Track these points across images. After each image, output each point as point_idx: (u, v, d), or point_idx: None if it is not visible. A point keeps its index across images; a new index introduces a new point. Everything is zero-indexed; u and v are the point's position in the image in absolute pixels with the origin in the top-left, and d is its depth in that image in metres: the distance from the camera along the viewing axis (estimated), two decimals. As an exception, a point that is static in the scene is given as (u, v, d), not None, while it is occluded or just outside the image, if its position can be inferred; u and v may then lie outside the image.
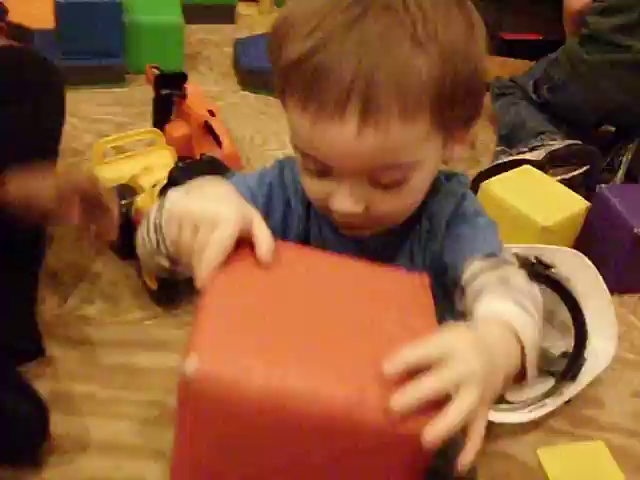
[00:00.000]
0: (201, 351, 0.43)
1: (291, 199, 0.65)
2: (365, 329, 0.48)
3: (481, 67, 0.56)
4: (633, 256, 1.36)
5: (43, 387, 1.07)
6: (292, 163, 0.65)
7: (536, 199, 1.37)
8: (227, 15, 2.37)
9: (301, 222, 0.65)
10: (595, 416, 1.18)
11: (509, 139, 1.70)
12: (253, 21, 2.38)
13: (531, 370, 0.50)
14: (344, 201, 0.56)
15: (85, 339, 1.18)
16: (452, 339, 0.45)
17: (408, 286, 0.54)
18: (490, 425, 1.03)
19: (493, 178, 1.43)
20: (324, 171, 0.57)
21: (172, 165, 1.35)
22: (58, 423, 1.02)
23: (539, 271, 1.16)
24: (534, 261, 1.16)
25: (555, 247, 1.20)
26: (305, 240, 0.66)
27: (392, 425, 0.42)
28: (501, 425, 1.10)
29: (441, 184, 0.64)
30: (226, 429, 0.45)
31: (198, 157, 1.25)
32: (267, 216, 0.60)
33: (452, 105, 0.54)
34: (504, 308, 0.51)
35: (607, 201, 1.40)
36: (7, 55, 1.10)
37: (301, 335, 0.47)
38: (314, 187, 0.59)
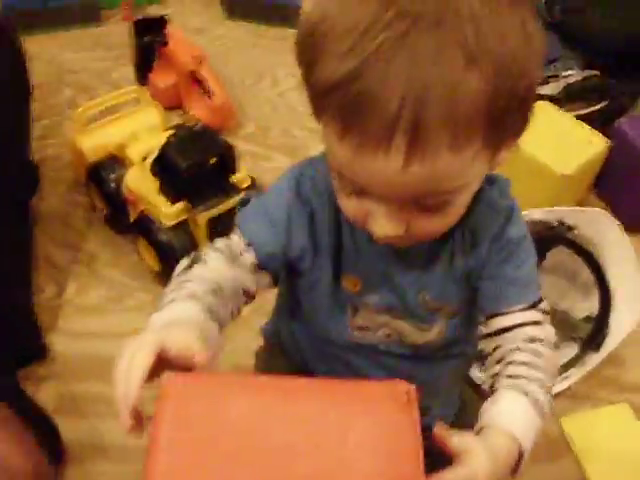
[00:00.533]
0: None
1: (316, 213, 0.61)
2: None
3: (536, 79, 0.49)
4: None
5: (47, 391, 1.03)
6: (309, 170, 0.61)
7: (553, 143, 1.27)
8: None
9: (331, 235, 0.62)
10: (616, 377, 1.15)
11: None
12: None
13: (523, 466, 0.54)
14: (384, 224, 0.52)
15: (87, 331, 1.13)
16: (474, 471, 0.48)
17: (387, 409, 0.45)
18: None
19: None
20: (363, 191, 0.51)
21: (160, 127, 1.26)
22: (68, 429, 0.98)
23: (561, 233, 1.09)
24: (555, 224, 1.09)
25: (580, 208, 1.12)
26: (337, 252, 0.62)
27: None
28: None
29: (482, 190, 0.58)
30: None
31: (190, 124, 1.14)
32: (290, 241, 0.60)
33: (505, 123, 0.48)
34: (513, 418, 0.54)
35: (625, 136, 1.32)
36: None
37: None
38: (351, 205, 0.54)
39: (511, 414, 0.55)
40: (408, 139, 0.44)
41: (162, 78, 1.46)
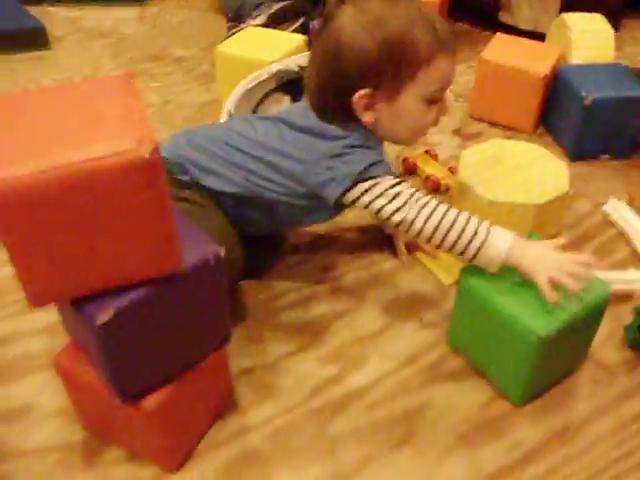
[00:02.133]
0: None
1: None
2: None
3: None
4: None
5: None
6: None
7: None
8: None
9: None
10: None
11: (237, 20, 1.98)
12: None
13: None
14: (448, 106, 1.02)
15: None
16: None
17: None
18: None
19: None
20: (436, 99, 0.99)
21: None
22: None
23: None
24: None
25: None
26: None
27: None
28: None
29: None
30: (30, 221, 0.61)
31: None
32: None
33: None
34: None
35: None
36: None
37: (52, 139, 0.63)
38: (431, 114, 1.00)
39: None
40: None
41: None
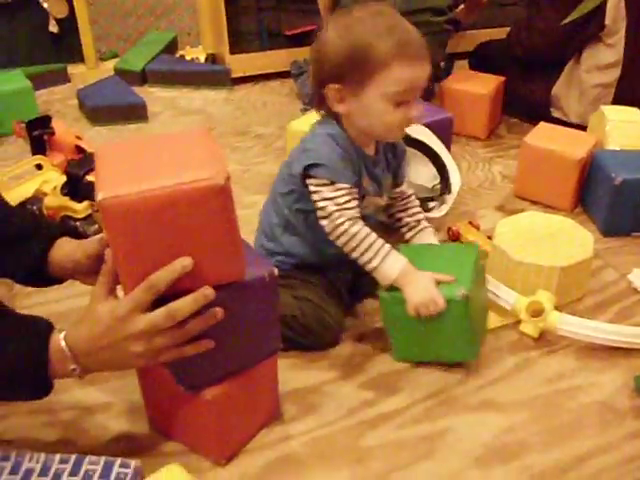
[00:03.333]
0: (100, 189, 0.79)
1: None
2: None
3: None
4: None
5: None
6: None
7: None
8: (61, 77, 2.79)
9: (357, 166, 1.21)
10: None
11: (310, 104, 2.21)
12: (84, 76, 2.81)
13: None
14: (418, 107, 1.16)
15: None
16: None
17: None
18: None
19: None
20: (404, 101, 1.13)
21: (62, 177, 1.76)
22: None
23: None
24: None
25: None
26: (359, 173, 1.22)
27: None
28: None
29: None
30: (134, 230, 0.80)
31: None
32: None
33: None
34: None
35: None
36: None
37: (153, 166, 0.84)
38: (397, 115, 1.14)
39: None
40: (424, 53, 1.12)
41: (55, 158, 1.97)
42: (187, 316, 0.86)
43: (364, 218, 1.18)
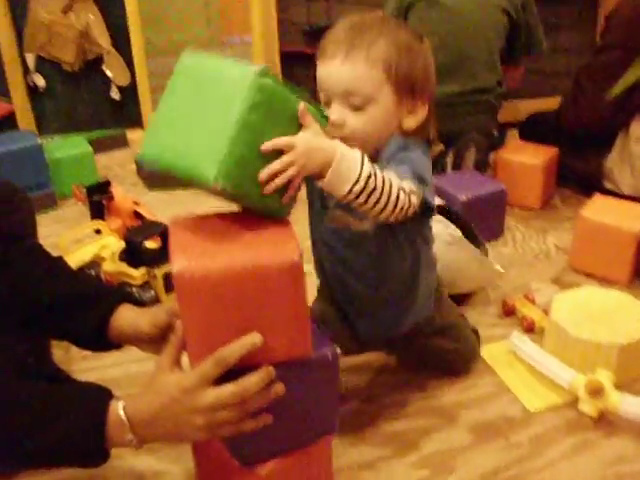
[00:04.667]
0: (176, 261, 0.81)
1: None
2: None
3: (420, 79, 1.06)
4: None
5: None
6: None
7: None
8: (120, 142, 2.89)
9: None
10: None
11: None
12: (142, 142, 2.88)
13: (331, 173, 0.87)
14: (334, 112, 1.02)
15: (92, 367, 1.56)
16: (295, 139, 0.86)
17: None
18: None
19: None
20: (328, 102, 1.03)
21: (120, 243, 1.80)
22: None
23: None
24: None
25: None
26: None
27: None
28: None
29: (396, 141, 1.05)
30: (207, 303, 0.81)
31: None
32: None
33: (398, 82, 1.02)
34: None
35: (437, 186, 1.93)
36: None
37: (228, 240, 0.86)
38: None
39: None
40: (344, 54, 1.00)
41: (113, 223, 2.02)
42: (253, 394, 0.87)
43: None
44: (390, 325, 1.22)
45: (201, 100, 0.85)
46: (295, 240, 0.85)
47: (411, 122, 1.07)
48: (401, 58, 1.03)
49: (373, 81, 1.02)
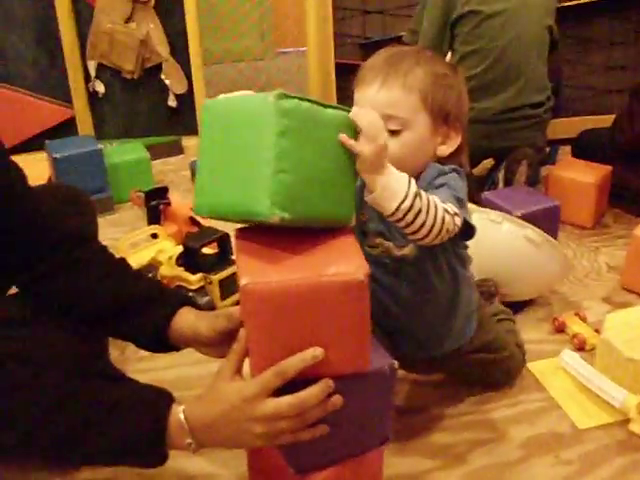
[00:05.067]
0: (243, 274, 0.84)
1: None
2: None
3: (453, 107, 1.07)
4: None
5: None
6: None
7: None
8: (176, 148, 2.96)
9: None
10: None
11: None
12: (197, 149, 2.94)
13: (380, 187, 0.89)
14: None
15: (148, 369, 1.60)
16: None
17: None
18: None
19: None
20: None
21: (177, 248, 1.85)
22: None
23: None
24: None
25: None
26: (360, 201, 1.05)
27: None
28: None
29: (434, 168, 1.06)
30: (273, 316, 0.84)
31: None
32: None
33: (433, 109, 1.04)
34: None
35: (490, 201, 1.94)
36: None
37: (293, 253, 0.88)
38: None
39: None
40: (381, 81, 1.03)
41: (169, 228, 2.07)
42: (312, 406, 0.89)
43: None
44: (431, 346, 1.24)
45: (234, 142, 0.87)
46: (361, 256, 0.87)
47: (445, 151, 1.09)
48: (436, 88, 1.05)
49: (409, 106, 1.04)
